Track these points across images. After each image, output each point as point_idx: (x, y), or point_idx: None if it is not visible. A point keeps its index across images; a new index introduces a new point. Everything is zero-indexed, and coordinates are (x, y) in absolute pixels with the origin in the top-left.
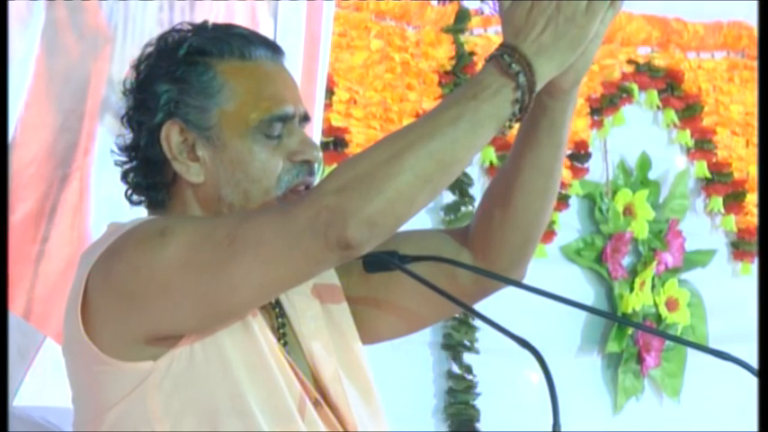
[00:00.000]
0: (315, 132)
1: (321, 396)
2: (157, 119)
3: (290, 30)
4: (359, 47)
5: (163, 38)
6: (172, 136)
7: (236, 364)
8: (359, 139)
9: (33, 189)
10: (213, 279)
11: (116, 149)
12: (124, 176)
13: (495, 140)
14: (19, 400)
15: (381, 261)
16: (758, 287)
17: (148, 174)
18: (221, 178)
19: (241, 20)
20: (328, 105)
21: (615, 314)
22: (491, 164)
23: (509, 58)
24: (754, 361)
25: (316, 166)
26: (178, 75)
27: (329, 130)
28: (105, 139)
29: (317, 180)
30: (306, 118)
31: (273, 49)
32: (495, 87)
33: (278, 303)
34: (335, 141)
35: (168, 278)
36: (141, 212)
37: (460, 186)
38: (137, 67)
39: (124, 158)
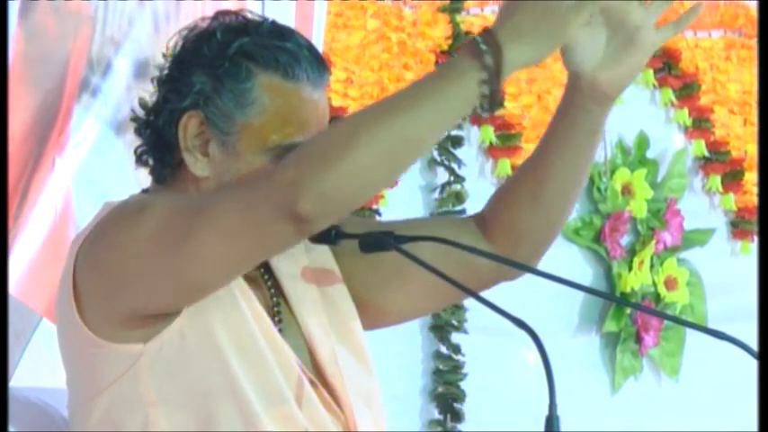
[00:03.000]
0: None
1: (317, 376)
2: (184, 104)
3: (277, 10)
4: (355, 27)
5: (219, 21)
6: (190, 127)
7: (227, 346)
8: None
9: (10, 168)
10: (180, 252)
11: (138, 104)
12: (136, 131)
13: (494, 120)
14: (15, 381)
15: (377, 241)
16: (758, 267)
17: (158, 148)
18: (224, 181)
19: None
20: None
21: (613, 294)
22: (490, 143)
23: (481, 39)
24: (753, 340)
25: None
26: (219, 72)
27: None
28: (82, 119)
29: None
30: None
31: (320, 69)
32: (462, 68)
33: (274, 284)
34: (332, 121)
35: (143, 254)
36: (142, 174)
37: (453, 166)
38: (185, 36)
39: (142, 119)
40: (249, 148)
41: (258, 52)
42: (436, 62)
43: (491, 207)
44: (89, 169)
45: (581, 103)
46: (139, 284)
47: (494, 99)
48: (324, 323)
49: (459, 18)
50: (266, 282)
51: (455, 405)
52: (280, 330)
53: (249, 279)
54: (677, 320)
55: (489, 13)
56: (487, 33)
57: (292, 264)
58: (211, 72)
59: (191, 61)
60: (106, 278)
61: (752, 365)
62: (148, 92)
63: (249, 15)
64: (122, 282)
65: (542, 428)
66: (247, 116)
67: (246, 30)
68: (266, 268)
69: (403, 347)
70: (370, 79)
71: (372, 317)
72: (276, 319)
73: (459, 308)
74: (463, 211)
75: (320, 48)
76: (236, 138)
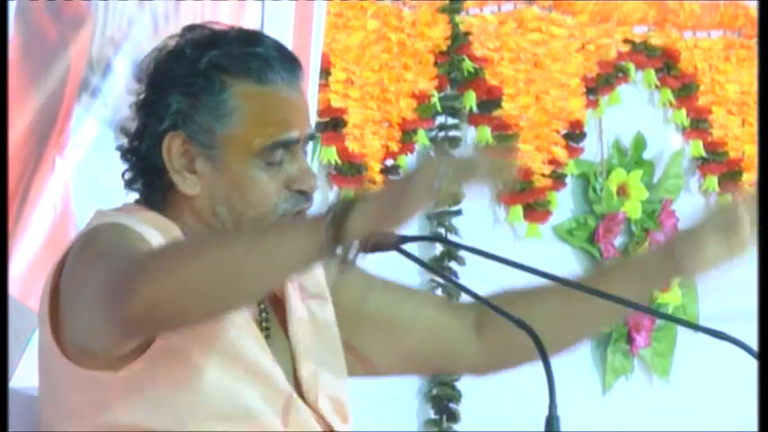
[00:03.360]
0: (311, 114)
1: (295, 389)
2: (163, 126)
3: (276, 10)
4: (355, 27)
5: (186, 38)
6: (174, 147)
7: (207, 369)
8: (355, 119)
9: (10, 169)
10: (89, 307)
11: (118, 131)
12: (122, 157)
13: (491, 120)
14: (15, 381)
15: (380, 241)
16: (758, 267)
17: (145, 173)
18: (217, 196)
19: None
20: (325, 86)
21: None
22: (487, 144)
23: (334, 208)
24: (746, 341)
25: (312, 194)
26: (193, 89)
27: (327, 110)
28: (82, 119)
29: (312, 205)
30: (312, 137)
31: (293, 69)
32: (313, 224)
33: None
34: (333, 122)
35: (78, 292)
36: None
37: None
38: (156, 57)
39: (125, 147)
40: (236, 158)
41: (229, 63)
42: (435, 62)
43: (486, 320)
44: (89, 169)
45: (651, 272)
46: (73, 319)
47: (345, 261)
48: (310, 343)
49: (458, 18)
50: None
51: (451, 405)
52: (267, 338)
53: None
54: (678, 321)
55: (488, 14)
56: (345, 201)
57: None
58: (186, 90)
59: (164, 82)
60: (65, 305)
61: (742, 366)
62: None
63: (215, 27)
64: (69, 313)
65: (537, 428)
66: (228, 127)
67: (214, 42)
68: None
69: None
70: (370, 80)
71: (358, 364)
72: (264, 332)
73: None
74: (459, 212)
75: (320, 48)
76: (221, 150)
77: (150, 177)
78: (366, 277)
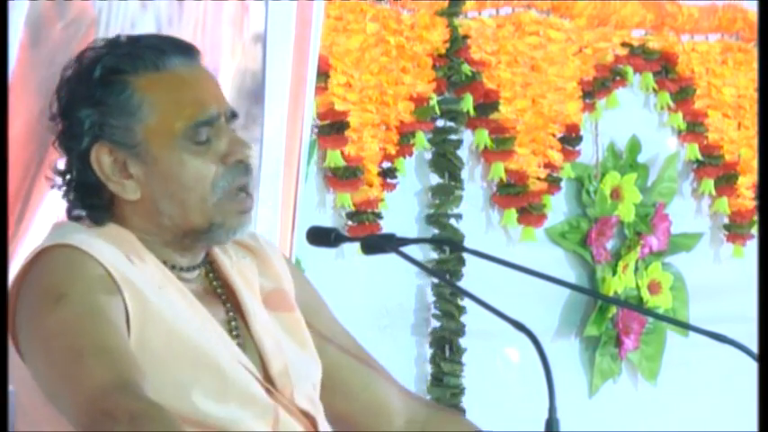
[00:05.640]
0: (307, 115)
1: (272, 387)
2: (84, 144)
3: (280, 11)
4: (354, 30)
5: (78, 59)
6: (102, 158)
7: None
8: (354, 122)
9: (12, 172)
10: (50, 376)
11: (53, 174)
12: (65, 196)
13: (489, 124)
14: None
15: (377, 244)
16: (758, 268)
17: (85, 196)
18: (156, 192)
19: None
20: (324, 89)
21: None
22: (485, 147)
23: None
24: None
25: (250, 163)
26: (97, 98)
27: (328, 113)
28: None
29: (251, 179)
30: (234, 115)
31: (188, 52)
32: None
33: (230, 299)
34: (333, 125)
35: (39, 350)
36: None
37: (451, 170)
38: (58, 92)
39: (60, 182)
40: (161, 147)
41: (121, 62)
42: (433, 66)
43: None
44: None
45: None
46: (34, 363)
47: None
48: (274, 338)
49: (456, 22)
50: (221, 296)
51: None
52: (239, 345)
53: (205, 290)
54: (678, 323)
55: (486, 17)
56: None
57: (247, 282)
58: (91, 102)
59: (71, 105)
60: (18, 331)
61: (731, 370)
62: None
63: (102, 41)
64: (27, 349)
65: (530, 428)
66: (143, 120)
67: (103, 51)
68: (223, 282)
69: (395, 351)
70: (369, 83)
71: None
72: (234, 334)
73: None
74: (459, 216)
75: (318, 50)
76: (145, 144)
77: (90, 197)
78: (332, 327)
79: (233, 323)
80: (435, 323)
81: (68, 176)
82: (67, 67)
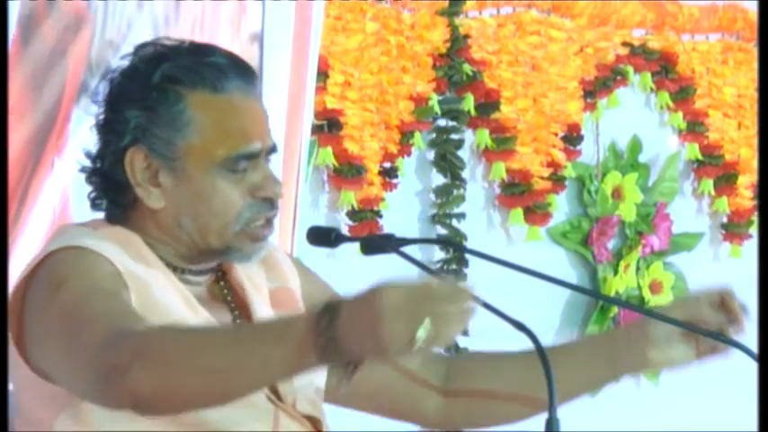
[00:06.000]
0: (307, 115)
1: (275, 396)
2: (124, 143)
3: (277, 11)
4: (354, 30)
5: (139, 55)
6: (136, 162)
7: None
8: (354, 121)
9: (9, 171)
10: (58, 357)
11: (83, 155)
12: (87, 180)
13: (489, 123)
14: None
15: (377, 244)
16: (758, 268)
17: (109, 191)
18: (182, 207)
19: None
20: (323, 88)
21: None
22: (486, 147)
23: (324, 321)
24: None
25: (277, 201)
26: (149, 103)
27: (324, 112)
28: (81, 121)
29: (276, 213)
30: (273, 150)
31: (247, 78)
32: (299, 341)
33: (234, 300)
34: (330, 123)
35: (46, 334)
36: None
37: (452, 169)
38: (111, 78)
39: (89, 167)
40: (197, 168)
41: (182, 73)
42: (434, 65)
43: (468, 370)
44: None
45: (617, 357)
46: (40, 352)
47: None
48: None
49: (457, 21)
50: (230, 303)
51: None
52: None
53: (212, 295)
54: (678, 323)
55: (487, 17)
56: (329, 321)
57: (255, 287)
58: (142, 104)
59: (120, 100)
60: (27, 326)
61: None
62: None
63: (167, 42)
64: (32, 340)
65: (530, 428)
66: (186, 137)
67: (166, 55)
68: (233, 288)
69: None
70: (368, 82)
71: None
72: None
73: None
74: (463, 215)
75: (318, 50)
76: (183, 161)
77: (114, 194)
78: None
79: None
80: None
81: (98, 166)
82: (126, 56)
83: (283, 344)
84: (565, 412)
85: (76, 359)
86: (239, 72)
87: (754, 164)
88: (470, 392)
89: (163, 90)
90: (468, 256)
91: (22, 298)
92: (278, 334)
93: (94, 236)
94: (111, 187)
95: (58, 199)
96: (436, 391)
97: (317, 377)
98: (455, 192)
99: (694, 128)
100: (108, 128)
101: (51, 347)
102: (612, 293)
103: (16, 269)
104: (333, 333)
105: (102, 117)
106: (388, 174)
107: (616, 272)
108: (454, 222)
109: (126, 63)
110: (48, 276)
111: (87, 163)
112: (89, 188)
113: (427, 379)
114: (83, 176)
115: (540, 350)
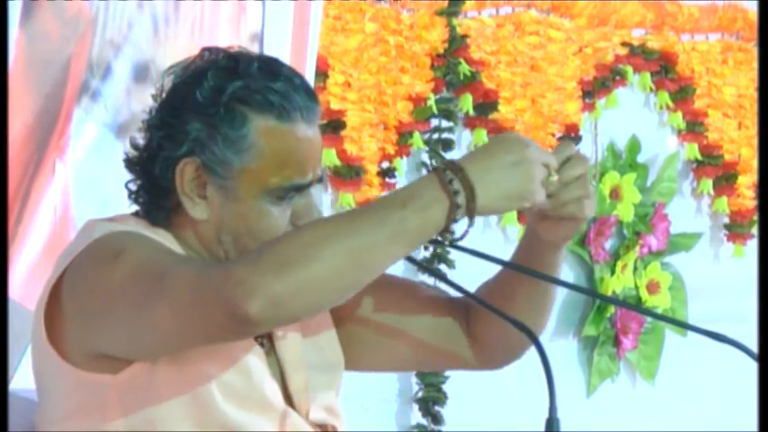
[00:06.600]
0: None
1: (285, 400)
2: (180, 152)
3: (277, 11)
4: (354, 30)
5: (207, 62)
6: (187, 173)
7: (213, 379)
8: (353, 121)
9: (10, 172)
10: (138, 314)
11: (129, 147)
12: (128, 168)
13: (487, 124)
14: (15, 383)
15: None
16: (758, 268)
17: (153, 194)
18: (225, 225)
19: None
20: (323, 88)
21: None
22: None
23: (452, 174)
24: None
25: None
26: (214, 120)
27: (326, 112)
28: (82, 121)
29: None
30: (320, 180)
31: (311, 103)
32: (427, 201)
33: None
34: (331, 124)
35: (110, 302)
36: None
37: None
38: (176, 79)
39: (135, 159)
40: (248, 192)
41: (251, 97)
42: (432, 66)
43: (475, 316)
44: (89, 172)
45: (534, 250)
46: (103, 328)
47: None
48: (296, 351)
49: (455, 22)
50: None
51: (436, 408)
52: (266, 354)
53: None
54: (676, 322)
55: (486, 17)
56: (458, 169)
57: None
58: (206, 119)
59: (184, 108)
60: (80, 314)
61: (729, 371)
62: (148, 95)
63: (236, 54)
64: (93, 322)
65: (527, 428)
66: (244, 161)
67: (237, 72)
68: None
69: None
70: (368, 82)
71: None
72: (263, 348)
73: None
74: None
75: (316, 50)
76: (235, 182)
77: (157, 197)
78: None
79: (259, 338)
80: None
81: (147, 168)
82: (197, 58)
83: (411, 203)
84: (564, 412)
85: (158, 309)
86: (305, 98)
87: (755, 164)
88: (494, 327)
89: (230, 109)
90: (464, 255)
91: (60, 291)
92: (402, 198)
93: (141, 229)
94: (156, 189)
95: (59, 200)
96: (463, 334)
97: (335, 378)
98: None
99: (694, 128)
100: (165, 133)
101: (119, 313)
102: (609, 293)
103: (18, 271)
104: (469, 185)
105: (158, 117)
106: (387, 174)
107: (613, 272)
108: None
109: (193, 67)
110: (99, 254)
111: (133, 155)
112: (124, 171)
113: (453, 325)
114: (84, 177)
115: (540, 350)
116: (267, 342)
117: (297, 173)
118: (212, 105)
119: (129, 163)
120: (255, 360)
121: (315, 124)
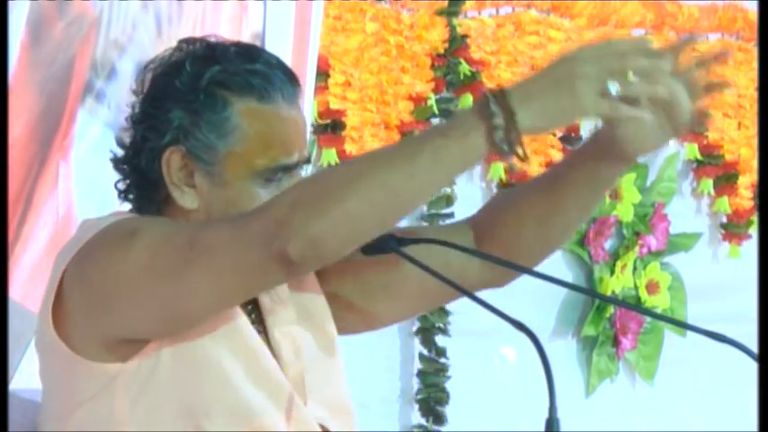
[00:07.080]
0: (307, 115)
1: None
2: (163, 142)
3: (278, 11)
4: (354, 30)
5: (185, 52)
6: (173, 162)
7: (224, 363)
8: (354, 121)
9: (13, 173)
10: (172, 284)
11: (115, 144)
12: (116, 168)
13: None
14: (15, 383)
15: (378, 244)
16: (758, 268)
17: (142, 187)
18: (214, 210)
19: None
20: (324, 88)
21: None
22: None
23: (492, 98)
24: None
25: None
26: (195, 106)
27: (326, 112)
28: (86, 122)
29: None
30: (308, 161)
31: (292, 85)
32: (466, 128)
33: (253, 301)
34: (332, 124)
35: (133, 281)
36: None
37: None
38: (155, 71)
39: (121, 158)
40: (236, 175)
41: (231, 79)
42: (432, 65)
43: (489, 218)
44: (92, 173)
45: (600, 156)
46: (126, 310)
47: (510, 156)
48: (296, 340)
49: (456, 21)
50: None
51: (437, 408)
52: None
53: None
54: (675, 322)
55: (486, 17)
56: (499, 95)
57: None
58: (187, 106)
59: (165, 97)
60: (93, 299)
61: (729, 371)
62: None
63: (213, 41)
64: (109, 304)
65: (525, 428)
66: (229, 145)
67: (215, 57)
68: None
69: (386, 350)
70: (368, 82)
71: (359, 321)
72: (256, 329)
73: (443, 311)
74: (452, 215)
75: (317, 50)
76: (221, 167)
77: (147, 190)
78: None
79: (254, 326)
80: (426, 322)
81: (133, 162)
82: (175, 49)
83: (451, 132)
84: (564, 412)
85: (195, 273)
86: (285, 79)
87: (755, 164)
88: (503, 242)
89: (210, 94)
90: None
91: (61, 288)
92: (442, 128)
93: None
94: (144, 183)
95: (62, 201)
96: (474, 258)
97: (336, 372)
98: (447, 190)
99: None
100: (148, 124)
101: (146, 289)
102: (609, 293)
103: (20, 272)
104: (507, 107)
105: (141, 110)
106: None
107: (613, 272)
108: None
109: (171, 58)
110: (110, 239)
111: (120, 153)
112: (118, 176)
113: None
114: (87, 178)
115: (540, 350)
116: (261, 328)
117: (282, 153)
118: (192, 92)
119: (117, 162)
120: (261, 345)
121: (296, 105)
